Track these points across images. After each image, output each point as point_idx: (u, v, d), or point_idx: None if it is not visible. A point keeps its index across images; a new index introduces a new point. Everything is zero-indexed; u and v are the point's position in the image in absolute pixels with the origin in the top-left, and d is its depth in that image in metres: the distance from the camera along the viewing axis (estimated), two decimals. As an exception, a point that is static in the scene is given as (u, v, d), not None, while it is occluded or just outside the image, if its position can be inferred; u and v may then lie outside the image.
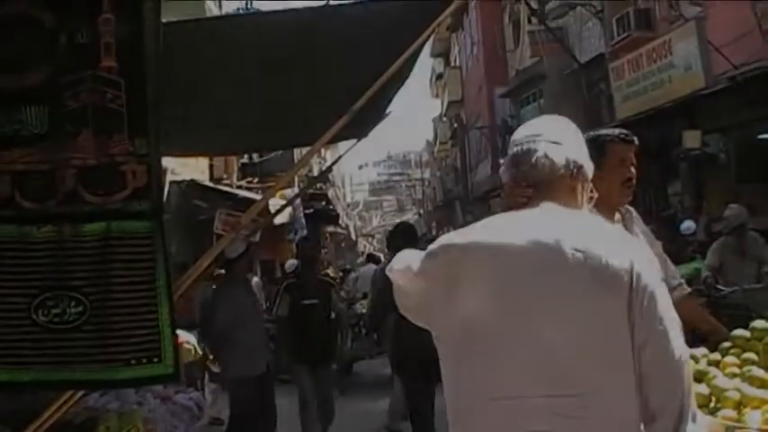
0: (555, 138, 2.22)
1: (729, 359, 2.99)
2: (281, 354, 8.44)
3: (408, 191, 70.12)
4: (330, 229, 30.37)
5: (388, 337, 9.35)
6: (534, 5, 19.10)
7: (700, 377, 2.87)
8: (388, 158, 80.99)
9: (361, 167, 72.10)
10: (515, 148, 2.26)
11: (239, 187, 16.73)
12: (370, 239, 62.78)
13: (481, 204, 28.92)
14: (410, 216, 68.19)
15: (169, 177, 11.60)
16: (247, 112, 4.51)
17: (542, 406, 1.95)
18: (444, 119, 42.29)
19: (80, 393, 3.07)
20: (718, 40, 11.38)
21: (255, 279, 12.99)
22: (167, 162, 9.99)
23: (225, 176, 16.74)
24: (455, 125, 37.72)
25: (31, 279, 2.83)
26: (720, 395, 2.69)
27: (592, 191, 2.30)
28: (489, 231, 2.11)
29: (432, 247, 2.17)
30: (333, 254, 33.61)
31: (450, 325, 2.09)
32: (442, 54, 40.33)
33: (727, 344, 3.12)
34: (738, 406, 2.64)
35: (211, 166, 16.02)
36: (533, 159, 2.18)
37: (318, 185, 22.90)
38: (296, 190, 16.09)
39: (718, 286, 7.74)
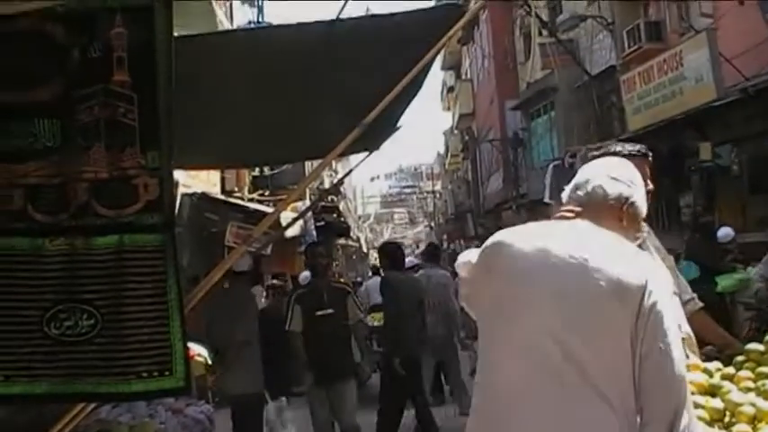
0: (615, 175, 2.57)
1: (744, 373, 2.96)
2: (293, 368, 7.99)
3: (419, 203, 70.20)
4: (341, 241, 30.38)
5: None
6: (545, 18, 19.12)
7: (714, 391, 2.85)
8: (400, 171, 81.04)
9: (372, 180, 72.12)
10: (579, 177, 2.63)
11: (250, 200, 16.76)
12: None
13: (493, 217, 28.89)
14: (421, 228, 68.25)
15: (181, 190, 11.63)
16: (258, 126, 4.52)
17: (537, 387, 2.25)
18: (455, 131, 42.35)
19: (92, 406, 3.07)
20: (730, 52, 11.36)
21: (257, 287, 12.99)
22: (178, 175, 10.03)
23: (236, 189, 16.76)
24: (466, 138, 37.74)
25: (43, 292, 2.83)
26: (735, 410, 2.67)
27: (640, 228, 2.65)
28: (527, 233, 2.48)
29: (486, 242, 2.57)
30: (344, 266, 33.60)
31: (484, 304, 2.50)
32: (453, 67, 40.42)
33: (741, 357, 3.09)
34: (753, 421, 2.62)
35: (223, 179, 16.05)
36: (590, 187, 2.55)
37: (330, 198, 22.93)
38: (307, 203, 16.10)
39: None
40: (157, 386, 2.85)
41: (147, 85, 2.82)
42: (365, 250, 45.44)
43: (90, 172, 2.81)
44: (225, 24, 12.57)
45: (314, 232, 16.68)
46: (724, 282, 6.68)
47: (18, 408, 3.93)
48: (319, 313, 6.86)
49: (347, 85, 3.91)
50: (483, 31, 29.43)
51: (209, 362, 7.38)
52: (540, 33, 20.90)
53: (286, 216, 10.57)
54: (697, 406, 2.73)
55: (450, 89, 43.21)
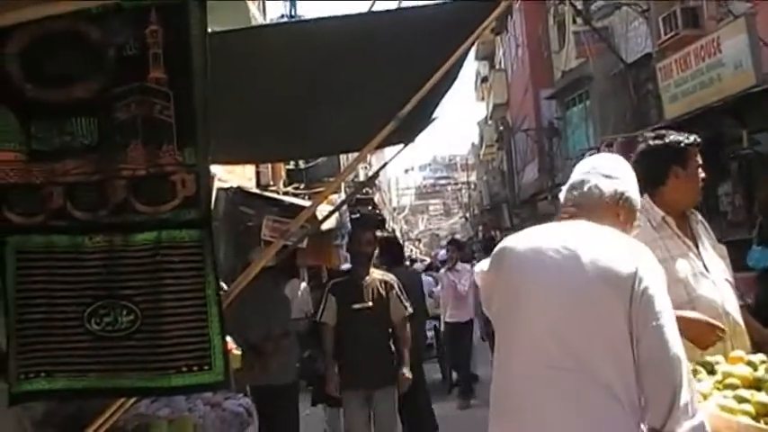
0: (608, 173, 2.74)
1: (791, 366, 2.91)
2: (318, 363, 7.31)
3: (454, 194, 70.02)
4: (377, 233, 30.38)
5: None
6: (579, 6, 18.93)
7: (759, 385, 2.80)
8: (434, 162, 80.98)
9: (407, 171, 72.25)
10: (574, 177, 2.80)
11: (286, 193, 16.79)
12: (416, 243, 62.72)
13: (528, 207, 28.74)
14: (456, 220, 68.10)
15: (216, 184, 11.69)
16: (294, 120, 4.52)
17: (544, 375, 2.43)
18: (490, 122, 42.15)
19: (132, 400, 3.10)
20: (769, 37, 11.18)
21: (303, 285, 13.04)
22: (214, 169, 10.06)
23: (271, 183, 16.79)
24: (501, 128, 37.55)
25: (83, 288, 2.87)
26: (781, 404, 2.62)
27: (636, 218, 2.84)
28: (528, 236, 2.69)
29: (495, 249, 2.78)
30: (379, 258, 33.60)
31: (497, 305, 2.70)
32: (487, 57, 40.21)
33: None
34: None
35: (258, 173, 16.09)
36: (585, 188, 2.72)
37: (365, 190, 22.93)
38: (342, 196, 16.12)
39: None
40: (196, 381, 2.87)
41: (183, 81, 2.83)
42: (401, 242, 45.46)
43: (128, 169, 2.83)
44: (258, 19, 12.59)
45: (349, 225, 16.66)
46: None
47: (58, 403, 3.98)
48: (356, 306, 6.18)
49: (382, 78, 3.90)
50: (516, 20, 29.24)
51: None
52: (575, 21, 20.70)
53: (322, 209, 10.58)
54: (742, 400, 2.69)
55: (484, 79, 42.99)
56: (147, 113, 2.83)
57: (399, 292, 6.51)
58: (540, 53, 26.38)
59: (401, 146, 5.06)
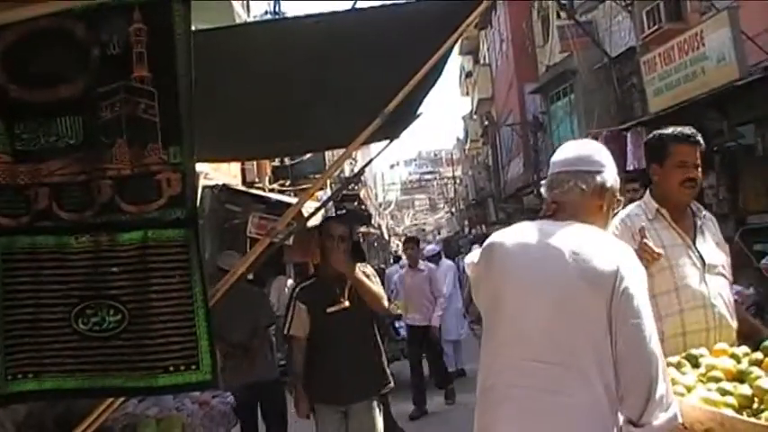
0: (587, 167, 2.78)
1: (773, 358, 2.94)
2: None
3: (440, 189, 70.05)
4: (363, 229, 30.41)
5: None
6: (563, 0, 18.96)
7: (742, 377, 2.82)
8: (419, 157, 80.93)
9: (392, 167, 72.20)
10: (554, 174, 2.84)
11: (272, 191, 16.80)
12: (402, 239, 62.64)
13: (514, 201, 28.77)
14: (442, 214, 68.19)
15: (202, 182, 11.67)
16: (279, 117, 4.52)
17: (529, 368, 2.53)
18: (475, 116, 42.20)
19: (120, 400, 3.10)
20: (752, 30, 11.21)
21: (290, 282, 13.04)
22: (200, 167, 10.05)
23: (257, 180, 16.80)
24: (486, 122, 37.58)
25: (70, 288, 2.86)
26: (764, 396, 2.64)
27: (617, 205, 2.93)
28: (515, 233, 2.78)
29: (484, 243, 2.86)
30: (366, 254, 33.64)
31: (484, 299, 2.79)
32: (471, 52, 40.21)
33: (768, 343, 3.07)
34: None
35: (243, 170, 16.09)
36: (566, 187, 2.77)
37: (351, 186, 22.93)
38: (328, 192, 16.12)
39: None
40: (184, 380, 2.86)
41: (167, 80, 2.82)
42: (386, 237, 45.48)
43: (113, 169, 2.82)
44: (242, 17, 12.57)
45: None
46: None
47: (42, 404, 3.98)
48: (331, 310, 5.22)
49: (367, 75, 3.91)
50: (500, 15, 29.26)
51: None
52: (559, 16, 20.74)
53: (308, 206, 10.59)
54: (725, 392, 2.72)
55: (469, 74, 43.01)
56: (131, 113, 2.81)
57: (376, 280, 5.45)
58: (524, 48, 26.40)
59: (387, 142, 5.07)
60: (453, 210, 60.04)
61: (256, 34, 4.08)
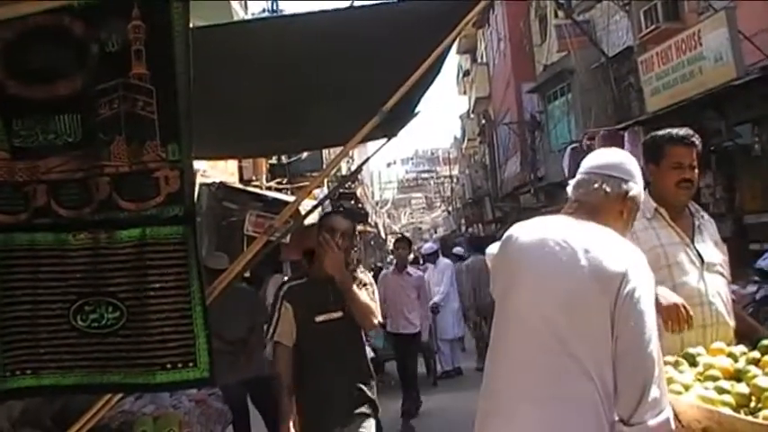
0: (614, 172, 2.82)
1: (770, 357, 2.94)
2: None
3: (437, 188, 70.05)
4: (359, 227, 30.43)
5: None
6: (561, -1, 18.99)
7: (739, 376, 2.83)
8: (416, 156, 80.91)
9: (389, 165, 72.15)
10: (582, 174, 2.90)
11: (269, 188, 16.77)
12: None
13: (511, 200, 28.79)
14: (438, 213, 68.17)
15: (199, 179, 11.66)
16: (277, 115, 4.52)
17: (530, 360, 2.58)
18: (472, 115, 42.20)
19: (117, 397, 3.10)
20: (750, 30, 11.22)
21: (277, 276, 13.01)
22: (196, 164, 10.03)
23: (254, 178, 16.77)
24: (483, 121, 37.59)
25: (68, 285, 2.86)
26: (761, 395, 2.65)
27: (636, 216, 2.97)
28: (533, 226, 2.81)
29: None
30: (363, 252, 33.66)
31: (498, 286, 2.85)
32: (469, 51, 40.21)
33: (766, 341, 3.07)
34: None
35: (240, 168, 16.08)
36: (591, 188, 2.82)
37: (348, 184, 22.91)
38: (325, 190, 16.10)
39: None
40: (181, 377, 2.87)
41: (166, 77, 2.82)
42: (383, 236, 45.46)
43: (111, 166, 2.82)
44: (240, 14, 12.57)
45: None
46: None
47: (38, 401, 3.98)
48: (320, 318, 4.50)
49: (365, 73, 3.91)
50: (498, 14, 29.26)
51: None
52: (556, 15, 20.76)
53: (305, 204, 10.58)
54: (722, 391, 2.73)
55: (466, 73, 42.98)
56: (129, 110, 2.81)
57: (372, 294, 4.69)
58: (521, 47, 26.39)
59: (384, 140, 5.07)
60: (450, 208, 60.03)
61: (254, 32, 4.07)
